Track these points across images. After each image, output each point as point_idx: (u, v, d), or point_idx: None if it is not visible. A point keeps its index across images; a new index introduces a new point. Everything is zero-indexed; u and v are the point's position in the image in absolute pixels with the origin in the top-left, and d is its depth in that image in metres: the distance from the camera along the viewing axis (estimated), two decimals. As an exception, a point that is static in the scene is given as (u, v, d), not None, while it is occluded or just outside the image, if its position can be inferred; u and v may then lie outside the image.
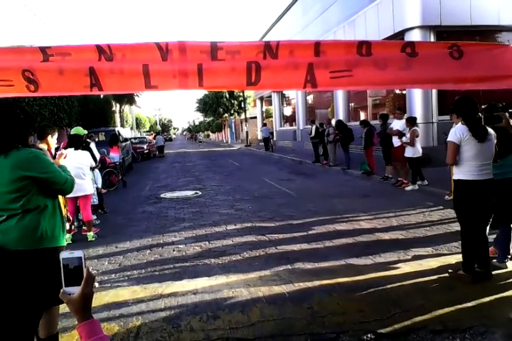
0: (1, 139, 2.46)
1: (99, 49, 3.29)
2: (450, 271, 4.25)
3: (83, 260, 1.24)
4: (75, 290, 1.23)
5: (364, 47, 3.41)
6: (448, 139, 4.03)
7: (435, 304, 3.56)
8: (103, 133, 17.16)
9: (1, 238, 2.44)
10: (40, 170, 2.51)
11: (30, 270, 2.41)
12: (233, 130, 49.49)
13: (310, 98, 23.92)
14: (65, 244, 2.77)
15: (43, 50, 3.26)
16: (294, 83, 3.56)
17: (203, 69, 3.37)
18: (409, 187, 9.52)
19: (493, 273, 4.12)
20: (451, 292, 3.83)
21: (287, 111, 29.51)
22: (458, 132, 3.94)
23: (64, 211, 4.21)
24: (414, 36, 12.34)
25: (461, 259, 4.32)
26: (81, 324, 1.24)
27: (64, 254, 1.24)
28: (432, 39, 12.29)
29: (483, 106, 4.54)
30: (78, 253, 1.24)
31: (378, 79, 3.53)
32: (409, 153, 9.35)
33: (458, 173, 4.08)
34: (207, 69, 3.39)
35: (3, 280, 2.36)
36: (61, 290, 1.23)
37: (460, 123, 4.00)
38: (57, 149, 6.10)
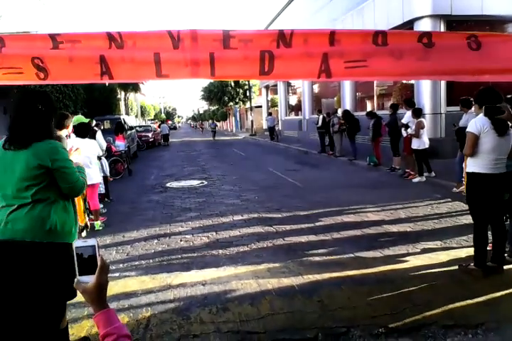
0: (21, 135, 2.45)
1: (110, 36, 3.22)
2: (463, 264, 4.20)
3: (97, 248, 1.23)
4: (90, 279, 1.21)
5: (380, 36, 3.32)
6: (467, 130, 3.97)
7: (446, 299, 3.53)
8: (108, 121, 17.13)
9: (10, 227, 2.41)
10: (54, 161, 2.46)
11: (35, 263, 2.37)
12: (238, 119, 49.31)
13: (316, 87, 23.71)
14: None
15: (53, 37, 3.21)
16: (308, 73, 3.49)
17: (215, 58, 3.30)
18: (417, 179, 9.46)
19: (504, 267, 4.09)
20: (462, 286, 3.80)
21: (293, 100, 29.29)
22: (478, 123, 3.87)
23: (81, 216, 4.15)
24: (424, 25, 12.13)
25: (470, 253, 4.29)
26: (98, 313, 1.23)
27: (77, 243, 1.23)
28: (442, 29, 12.09)
29: (508, 96, 4.44)
30: (91, 242, 1.23)
31: (394, 69, 3.45)
32: (414, 144, 9.28)
33: (472, 166, 4.03)
34: (219, 58, 3.31)
35: (8, 273, 2.35)
36: (75, 280, 1.22)
37: (481, 114, 3.92)
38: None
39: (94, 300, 1.23)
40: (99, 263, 1.23)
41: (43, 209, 2.47)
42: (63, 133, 5.18)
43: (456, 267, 4.23)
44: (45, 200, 2.48)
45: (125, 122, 16.87)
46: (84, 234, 6.40)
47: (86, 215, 6.34)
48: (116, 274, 4.54)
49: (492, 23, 12.35)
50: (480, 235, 4.08)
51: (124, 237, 6.00)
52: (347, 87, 17.66)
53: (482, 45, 3.34)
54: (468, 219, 5.77)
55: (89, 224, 6.55)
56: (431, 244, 5.11)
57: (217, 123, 51.18)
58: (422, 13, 12.22)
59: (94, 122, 9.51)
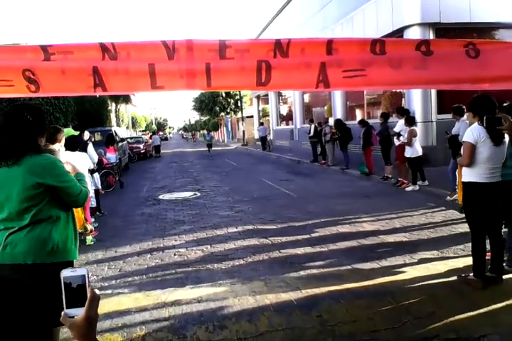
0: (10, 148, 2.33)
1: (103, 47, 3.16)
2: (462, 275, 4.15)
3: (87, 278, 1.12)
4: (79, 312, 1.10)
5: (378, 45, 3.30)
6: (464, 139, 3.93)
7: (447, 311, 3.47)
8: (99, 133, 16.98)
9: (8, 251, 2.29)
10: (55, 177, 2.36)
11: (37, 286, 2.27)
12: (229, 129, 49.35)
13: (307, 96, 23.82)
14: (77, 258, 2.60)
15: (44, 48, 3.14)
16: (305, 83, 3.44)
17: (211, 69, 3.25)
18: (410, 188, 9.44)
19: (503, 277, 4.04)
20: (462, 298, 3.75)
21: (284, 109, 29.40)
22: (474, 133, 3.83)
23: (80, 222, 4.05)
24: (413, 33, 12.24)
25: (468, 263, 4.25)
26: None
27: (65, 272, 1.12)
28: (432, 36, 12.22)
29: (505, 104, 4.41)
30: (81, 271, 1.12)
31: (393, 78, 3.42)
32: (408, 152, 9.29)
33: (468, 175, 3.99)
34: (215, 69, 3.26)
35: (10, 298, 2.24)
36: (62, 313, 1.10)
37: (476, 123, 3.90)
38: None
39: (83, 335, 1.11)
40: (88, 294, 1.11)
41: (44, 229, 2.36)
42: (56, 147, 5.10)
43: (455, 278, 4.18)
44: (45, 220, 2.38)
45: (116, 134, 16.76)
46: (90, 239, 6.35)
47: (84, 220, 6.19)
48: (109, 291, 4.43)
49: (480, 30, 12.51)
50: (478, 245, 4.04)
51: (116, 252, 5.88)
52: (337, 95, 17.75)
53: (481, 52, 3.32)
54: (463, 228, 5.76)
55: (88, 227, 6.42)
56: (428, 254, 5.07)
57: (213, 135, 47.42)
58: (411, 21, 12.34)
59: (88, 134, 9.24)
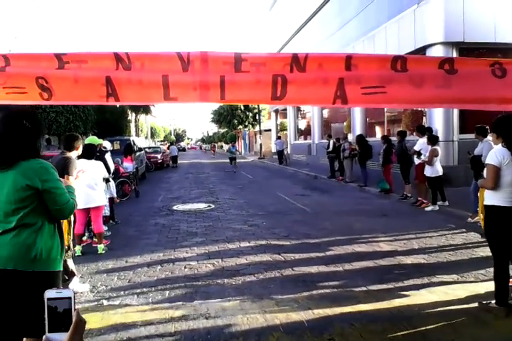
0: (5, 153, 2.31)
1: (117, 57, 3.15)
2: (484, 302, 3.94)
3: (73, 301, 1.02)
4: (61, 338, 0.99)
5: (399, 62, 3.21)
6: (487, 162, 3.79)
7: (467, 340, 3.28)
8: (118, 142, 17.15)
9: None
10: (43, 182, 2.33)
11: (15, 294, 2.20)
12: (247, 142, 49.48)
13: (326, 112, 23.75)
14: (61, 268, 2.53)
15: (59, 56, 3.14)
16: (322, 98, 3.36)
17: (225, 82, 3.20)
18: (429, 208, 9.20)
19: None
20: (484, 326, 3.54)
21: (302, 124, 29.37)
22: (498, 155, 3.69)
23: (66, 236, 3.98)
24: (436, 52, 12.10)
25: (490, 289, 4.05)
26: None
27: (50, 293, 1.02)
28: (455, 56, 12.06)
29: None
30: (67, 293, 1.03)
31: (414, 97, 3.31)
32: (428, 172, 9.08)
33: (491, 198, 3.83)
34: (230, 82, 3.21)
35: None
36: (43, 338, 1.00)
37: (500, 145, 3.75)
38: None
39: None
40: (74, 318, 1.01)
41: (29, 235, 2.32)
42: (73, 154, 5.11)
43: (476, 304, 3.97)
44: (32, 225, 2.33)
45: (134, 143, 16.91)
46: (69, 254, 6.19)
47: (70, 237, 6.09)
48: (117, 302, 4.36)
49: (505, 51, 12.30)
50: (500, 270, 3.84)
51: (126, 262, 5.81)
52: (357, 112, 17.62)
53: (507, 72, 3.20)
54: (484, 252, 5.54)
55: (71, 247, 6.29)
56: (447, 278, 4.86)
57: (223, 145, 40.05)
58: (434, 40, 12.22)
59: (109, 144, 9.08)
